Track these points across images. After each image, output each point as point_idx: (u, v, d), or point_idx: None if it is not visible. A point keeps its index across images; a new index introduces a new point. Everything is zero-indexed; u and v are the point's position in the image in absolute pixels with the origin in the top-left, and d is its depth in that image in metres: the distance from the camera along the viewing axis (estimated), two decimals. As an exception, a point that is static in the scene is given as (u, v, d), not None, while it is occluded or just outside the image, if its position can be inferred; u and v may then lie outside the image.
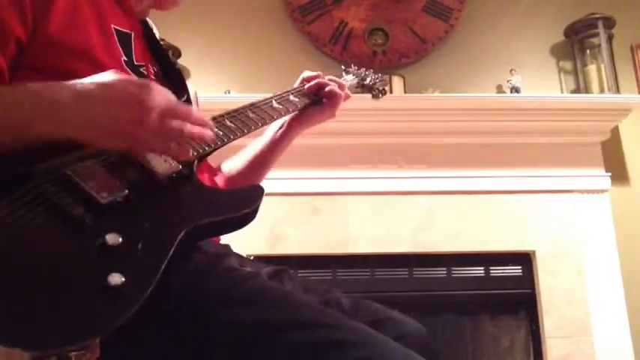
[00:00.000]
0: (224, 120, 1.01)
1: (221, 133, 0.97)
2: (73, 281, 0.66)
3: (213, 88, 2.79)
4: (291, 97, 1.21)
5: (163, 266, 0.71)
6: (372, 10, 3.07)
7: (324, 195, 2.73)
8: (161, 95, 0.79)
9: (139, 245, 0.72)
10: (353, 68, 1.48)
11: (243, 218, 0.88)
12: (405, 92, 2.87)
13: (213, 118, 0.99)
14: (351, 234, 2.73)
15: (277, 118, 1.16)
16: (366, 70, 1.51)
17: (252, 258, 2.42)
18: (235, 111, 1.05)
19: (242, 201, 0.90)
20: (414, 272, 2.79)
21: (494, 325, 2.85)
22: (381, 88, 1.49)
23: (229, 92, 2.80)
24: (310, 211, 2.71)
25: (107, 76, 0.79)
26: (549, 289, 2.72)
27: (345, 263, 2.75)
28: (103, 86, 0.77)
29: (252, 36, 3.02)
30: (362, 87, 1.47)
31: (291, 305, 0.84)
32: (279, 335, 0.78)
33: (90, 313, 0.64)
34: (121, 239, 0.71)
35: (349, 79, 1.43)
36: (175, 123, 0.80)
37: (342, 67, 1.49)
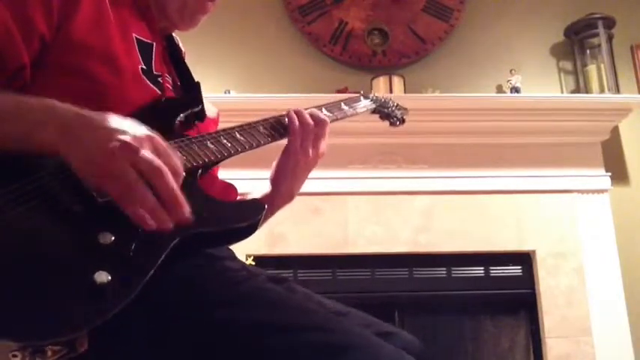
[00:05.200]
0: (234, 132, 1.00)
1: (229, 145, 0.97)
2: (59, 275, 0.66)
3: (213, 88, 2.79)
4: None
5: (153, 270, 0.71)
6: (372, 10, 3.07)
7: (324, 195, 2.73)
8: (147, 146, 0.73)
9: (132, 247, 0.72)
10: (372, 95, 1.44)
11: (241, 231, 0.88)
12: (405, 92, 2.87)
13: (224, 130, 1.00)
14: (351, 234, 2.73)
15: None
16: (386, 98, 1.48)
17: (252, 258, 2.43)
18: (248, 125, 1.04)
19: (242, 214, 0.90)
20: (414, 272, 2.79)
21: (494, 325, 2.85)
22: (400, 116, 1.45)
23: (229, 92, 2.80)
24: (310, 211, 2.71)
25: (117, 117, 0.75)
26: (549, 289, 2.72)
27: (345, 263, 2.75)
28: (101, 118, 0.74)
29: (252, 36, 3.02)
30: (379, 113, 1.43)
31: (293, 307, 0.84)
32: (280, 337, 0.77)
33: (70, 308, 0.64)
34: (113, 238, 0.70)
35: (366, 104, 1.39)
36: (140, 189, 0.70)
37: (361, 91, 1.45)
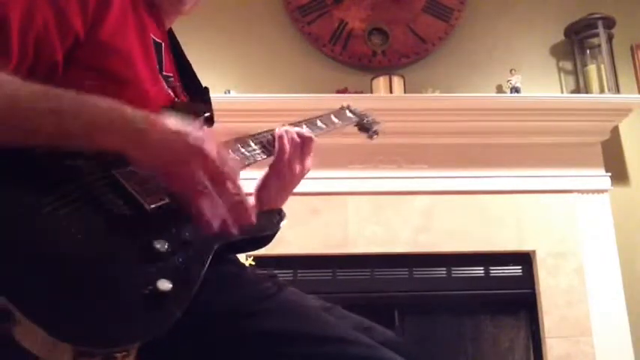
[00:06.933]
0: (248, 141, 1.05)
1: (248, 154, 1.01)
2: (124, 283, 0.67)
3: (213, 88, 2.77)
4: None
5: (202, 276, 0.74)
6: (372, 10, 3.07)
7: (323, 195, 2.73)
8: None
9: (181, 254, 0.74)
10: (355, 109, 1.50)
11: (265, 239, 0.96)
12: (405, 92, 2.87)
13: (237, 139, 1.03)
14: (351, 234, 2.73)
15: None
16: (364, 112, 1.55)
17: (252, 258, 2.42)
18: (259, 134, 1.10)
19: (265, 223, 0.97)
20: (414, 272, 2.79)
21: (494, 325, 2.85)
22: (374, 129, 1.53)
23: (229, 92, 2.80)
24: (310, 211, 2.71)
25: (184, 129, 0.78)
26: (549, 289, 2.72)
27: (345, 263, 2.75)
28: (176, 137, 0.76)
29: (252, 36, 3.02)
30: (359, 125, 1.50)
31: (313, 318, 0.87)
32: (300, 347, 0.80)
33: (142, 316, 0.66)
34: (166, 245, 0.72)
35: (351, 117, 1.46)
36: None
37: (345, 104, 1.50)
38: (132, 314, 0.65)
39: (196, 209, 0.74)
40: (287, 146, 1.10)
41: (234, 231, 0.77)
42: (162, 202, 0.77)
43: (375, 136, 1.53)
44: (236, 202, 0.77)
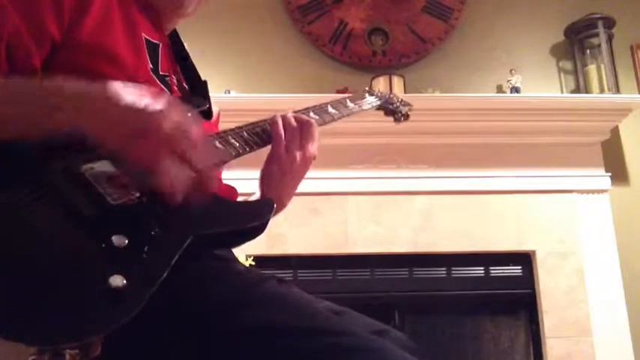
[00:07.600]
0: (242, 132, 1.01)
1: (237, 144, 0.97)
2: (75, 279, 0.66)
3: (213, 88, 2.77)
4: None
5: (165, 273, 0.71)
6: (372, 10, 3.07)
7: (323, 195, 2.73)
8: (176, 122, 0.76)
9: (145, 249, 0.72)
10: (376, 91, 1.44)
11: (251, 231, 0.90)
12: (405, 92, 2.86)
13: (231, 130, 0.99)
14: (351, 234, 2.73)
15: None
16: (391, 94, 1.48)
17: (252, 258, 2.43)
18: (253, 123, 1.05)
19: (251, 214, 0.92)
20: (414, 272, 2.79)
21: (494, 325, 2.85)
22: (404, 112, 1.45)
23: (229, 92, 2.81)
24: (310, 211, 2.71)
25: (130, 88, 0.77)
26: (549, 289, 2.72)
27: (345, 263, 2.75)
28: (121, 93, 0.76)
29: (253, 36, 3.02)
30: (384, 109, 1.43)
31: (305, 311, 0.85)
32: (292, 340, 0.78)
33: (88, 313, 0.64)
34: (126, 241, 0.70)
35: (372, 101, 1.39)
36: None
37: (366, 88, 1.44)
38: (79, 311, 0.64)
39: (155, 183, 0.73)
40: (282, 132, 1.03)
41: (197, 200, 0.76)
42: (131, 197, 0.75)
43: (404, 120, 1.44)
44: (197, 172, 0.76)
